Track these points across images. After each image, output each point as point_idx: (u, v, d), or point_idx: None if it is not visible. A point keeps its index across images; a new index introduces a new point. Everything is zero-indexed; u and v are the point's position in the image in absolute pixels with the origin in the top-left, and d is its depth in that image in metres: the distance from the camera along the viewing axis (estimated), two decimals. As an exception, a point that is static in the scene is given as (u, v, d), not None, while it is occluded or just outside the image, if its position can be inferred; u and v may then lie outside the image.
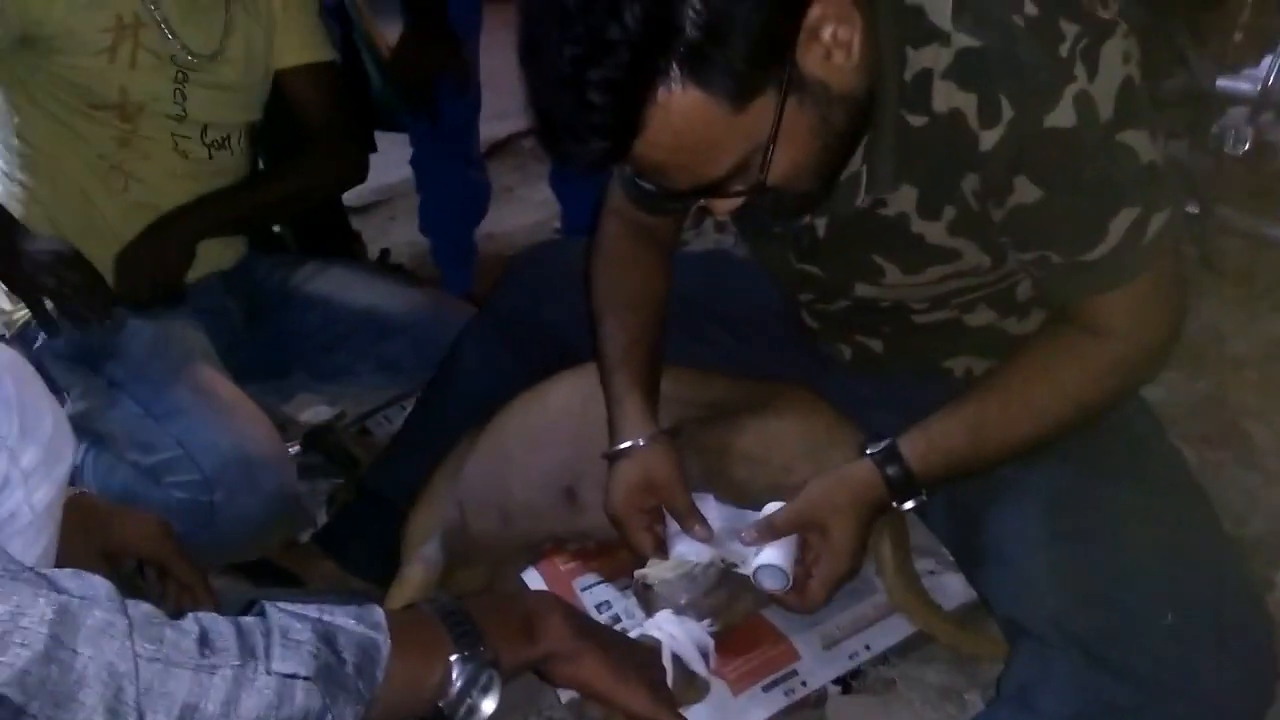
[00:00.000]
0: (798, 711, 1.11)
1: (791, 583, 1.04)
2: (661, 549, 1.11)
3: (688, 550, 1.08)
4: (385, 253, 2.52)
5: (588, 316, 1.25)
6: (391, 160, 2.85)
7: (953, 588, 1.22)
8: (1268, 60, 1.75)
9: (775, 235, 1.14)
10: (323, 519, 1.56)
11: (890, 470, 1.01)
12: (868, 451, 1.03)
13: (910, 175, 0.97)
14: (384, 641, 0.72)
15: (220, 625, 0.67)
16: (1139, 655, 0.86)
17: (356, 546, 1.41)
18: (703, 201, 0.95)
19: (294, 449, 1.79)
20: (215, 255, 1.69)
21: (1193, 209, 1.55)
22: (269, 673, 0.65)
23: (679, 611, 1.06)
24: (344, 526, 1.46)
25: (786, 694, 1.10)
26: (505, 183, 2.95)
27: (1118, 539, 0.95)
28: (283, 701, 0.65)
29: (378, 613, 0.73)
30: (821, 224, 1.08)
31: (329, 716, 0.67)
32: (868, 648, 1.15)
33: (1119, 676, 0.86)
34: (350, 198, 2.51)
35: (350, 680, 0.68)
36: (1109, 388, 0.99)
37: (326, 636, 0.69)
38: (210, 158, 1.63)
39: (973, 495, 1.09)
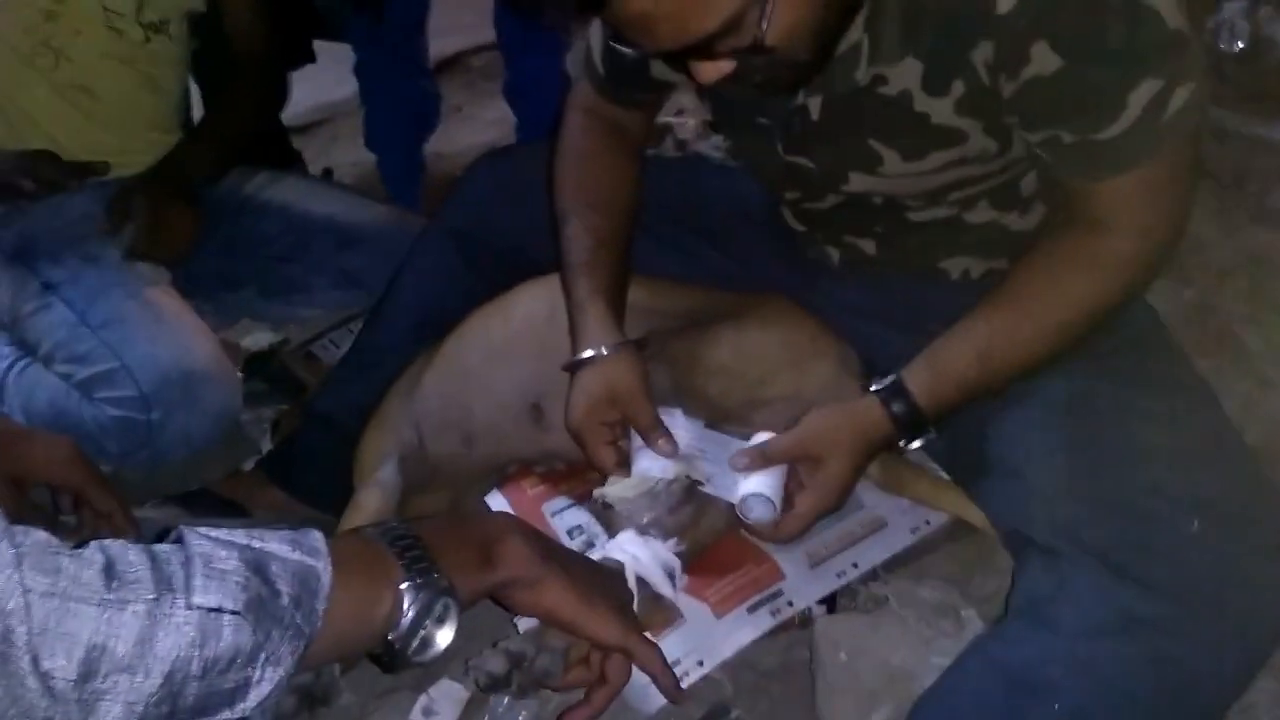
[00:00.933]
0: (784, 633, 1.06)
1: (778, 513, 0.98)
2: (625, 466, 1.05)
3: (651, 466, 1.02)
4: (328, 173, 2.38)
5: (550, 221, 1.16)
6: (334, 76, 2.71)
7: (943, 502, 1.16)
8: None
9: (760, 126, 1.05)
10: (268, 446, 1.46)
11: (896, 408, 0.95)
12: (872, 389, 0.96)
13: (916, 46, 0.89)
14: (324, 569, 0.63)
15: (130, 555, 0.57)
16: (1163, 564, 0.80)
17: (305, 473, 1.32)
18: (688, 69, 0.85)
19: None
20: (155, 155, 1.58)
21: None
22: (189, 607, 0.56)
23: (642, 531, 1.00)
24: (291, 452, 1.37)
25: (772, 614, 1.05)
26: (455, 101, 2.82)
27: (1133, 443, 0.89)
28: (207, 639, 0.56)
29: (316, 537, 0.65)
30: (816, 104, 0.99)
31: (262, 655, 0.58)
32: (855, 565, 1.10)
33: (1142, 588, 0.79)
34: (290, 116, 2.38)
35: (286, 613, 0.60)
36: (1117, 290, 0.93)
37: (257, 565, 0.60)
38: (147, 40, 1.53)
39: (974, 405, 1.01)
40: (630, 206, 1.16)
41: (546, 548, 0.81)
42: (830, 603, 1.08)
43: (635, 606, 0.93)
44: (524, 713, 1.05)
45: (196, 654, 0.56)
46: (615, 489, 1.02)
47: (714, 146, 2.01)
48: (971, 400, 0.96)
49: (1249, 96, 1.48)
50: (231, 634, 0.57)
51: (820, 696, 0.96)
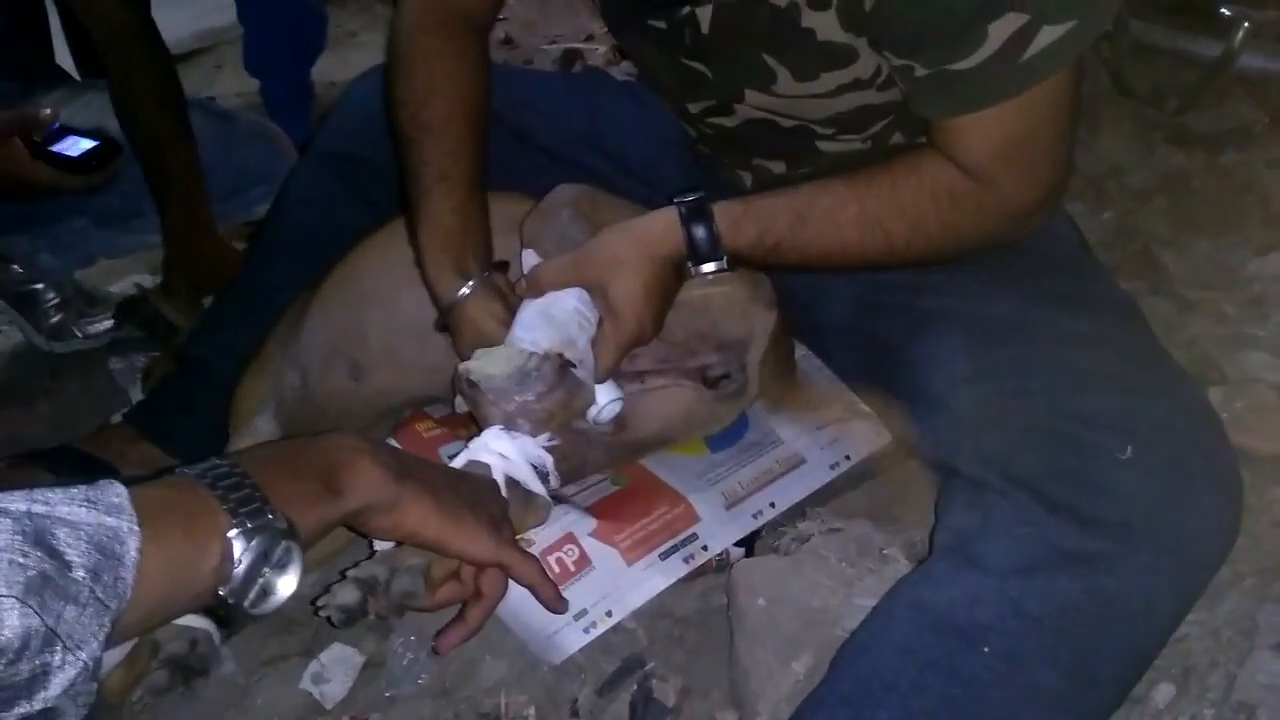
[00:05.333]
0: (699, 578, 1.00)
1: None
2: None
3: (523, 336, 0.90)
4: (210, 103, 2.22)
5: (393, 144, 1.04)
6: (216, 0, 2.53)
7: (862, 436, 1.10)
8: None
9: (656, 31, 0.97)
10: (139, 396, 1.34)
11: (696, 229, 0.89)
12: (673, 200, 0.90)
13: None
14: (129, 529, 0.54)
15: None
16: (1096, 495, 0.75)
17: (178, 424, 1.22)
18: None
19: (105, 324, 1.58)
20: None
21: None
22: None
23: (508, 425, 0.89)
24: (163, 402, 1.27)
25: (686, 560, 0.99)
26: (348, 27, 2.68)
27: (1061, 367, 0.83)
28: None
29: (117, 492, 0.55)
30: (705, 15, 0.92)
31: (59, 638, 0.49)
32: (773, 505, 1.04)
33: (1074, 520, 0.74)
34: (169, 43, 2.20)
35: (81, 589, 0.50)
36: (953, 224, 0.87)
37: (37, 536, 0.50)
38: None
39: (892, 330, 0.97)
40: (481, 115, 1.03)
41: (401, 465, 0.73)
42: (748, 545, 1.02)
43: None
44: (424, 675, 0.98)
45: None
46: (482, 362, 0.89)
47: (624, 73, 1.93)
48: (767, 259, 0.91)
49: (1171, 8, 1.43)
50: (17, 619, 0.47)
51: (739, 644, 0.91)
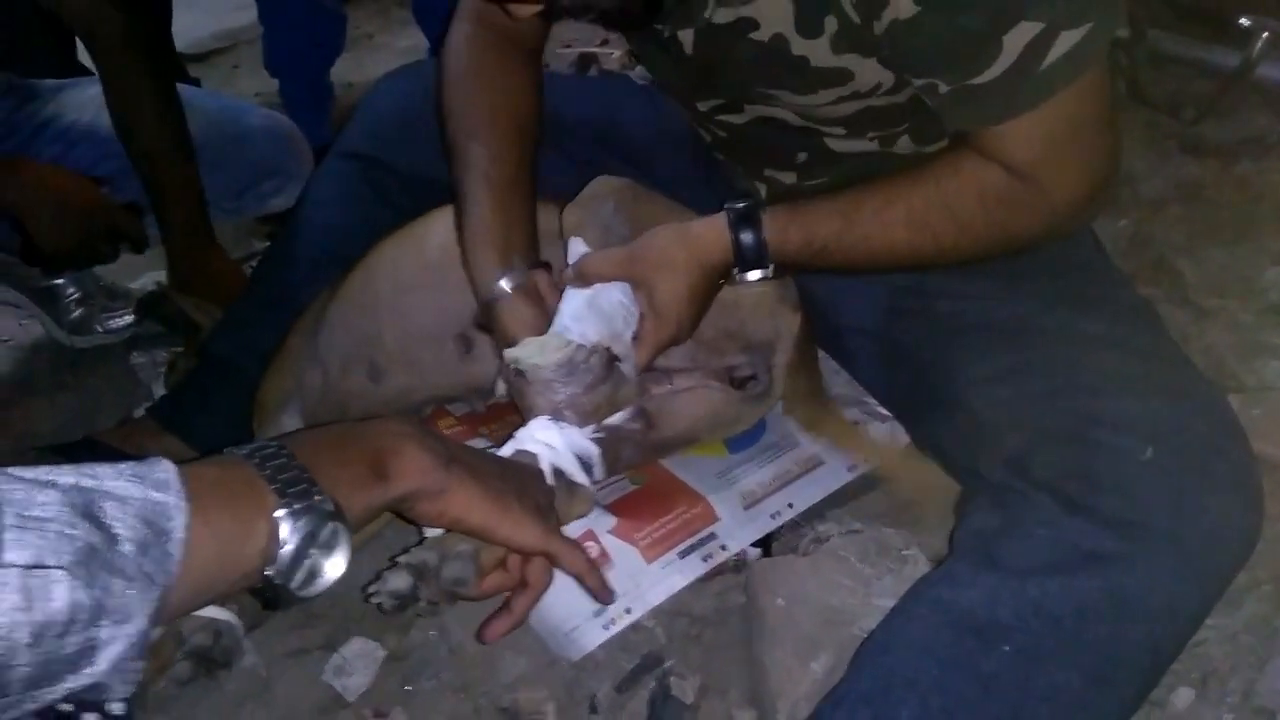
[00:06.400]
0: (717, 577, 1.01)
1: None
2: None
3: (571, 326, 0.90)
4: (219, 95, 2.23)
5: (443, 151, 1.05)
6: (234, 1, 2.54)
7: (879, 438, 1.11)
8: None
9: (660, 37, 0.99)
10: (161, 391, 1.35)
11: (744, 235, 0.90)
12: (724, 206, 0.91)
13: None
14: (176, 504, 0.53)
15: None
16: (1116, 496, 0.75)
17: (200, 418, 1.22)
18: None
19: (126, 319, 1.59)
20: None
21: (1122, 32, 1.44)
22: (3, 565, 0.46)
23: (555, 416, 0.90)
24: (186, 397, 1.27)
25: (705, 559, 1.00)
26: (365, 29, 2.69)
27: (1080, 369, 0.84)
28: (33, 602, 0.47)
29: (165, 468, 0.55)
30: (688, 38, 0.94)
31: (106, 612, 0.49)
32: (791, 505, 1.05)
33: (1094, 521, 0.74)
34: (188, 44, 2.22)
35: (129, 563, 0.50)
36: (1002, 223, 0.87)
37: (86, 509, 0.50)
38: None
39: (911, 334, 0.98)
40: (529, 125, 1.05)
41: (449, 452, 0.72)
42: (765, 545, 1.03)
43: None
44: (445, 670, 0.99)
45: (24, 619, 0.47)
46: (529, 349, 0.89)
47: (640, 77, 1.93)
48: (814, 262, 0.91)
49: (1187, 17, 1.44)
50: (66, 592, 0.48)
51: (758, 644, 0.92)
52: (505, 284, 0.95)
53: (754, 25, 0.88)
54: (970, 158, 0.86)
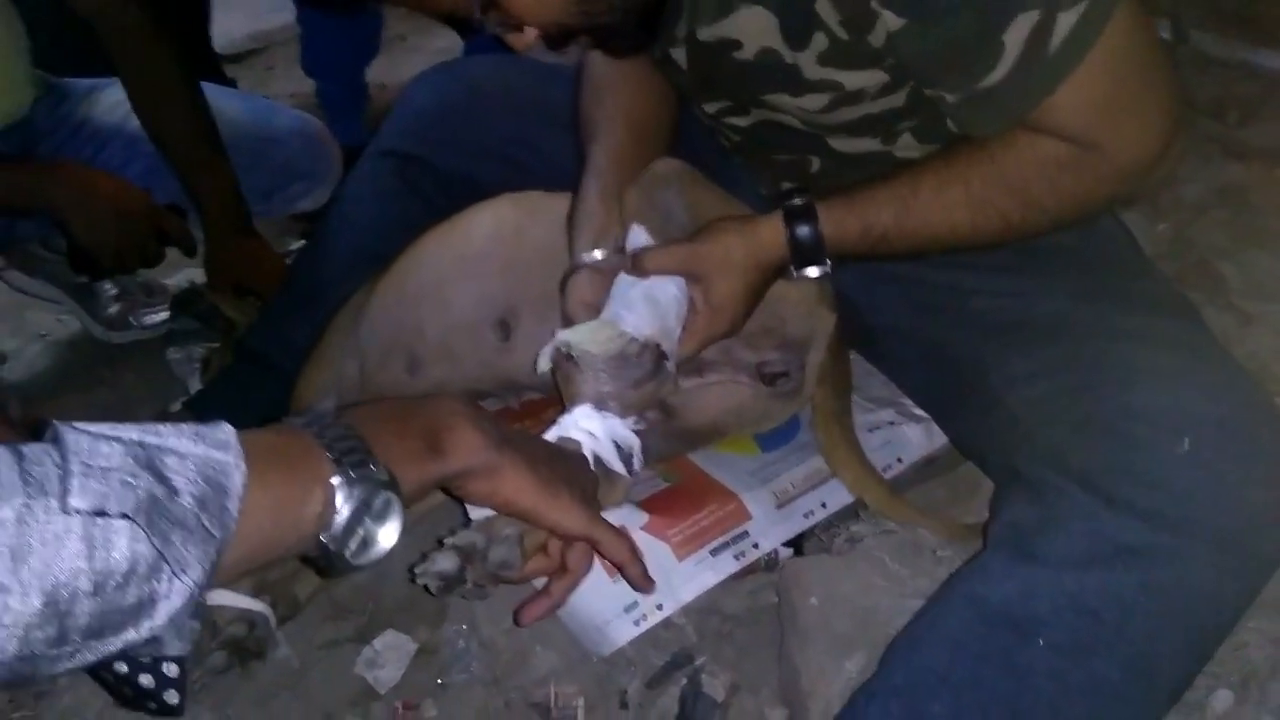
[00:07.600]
0: (749, 575, 1.00)
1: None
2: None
3: (625, 315, 0.90)
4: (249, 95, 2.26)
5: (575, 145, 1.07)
6: (269, 2, 2.57)
7: (914, 439, 1.10)
8: None
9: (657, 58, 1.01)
10: (197, 386, 1.37)
11: (800, 230, 0.90)
12: (783, 204, 0.91)
13: None
14: (235, 464, 0.54)
15: None
16: (1153, 489, 0.74)
17: (237, 414, 1.20)
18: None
19: (162, 315, 1.61)
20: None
21: (1163, 34, 1.42)
22: (66, 511, 0.47)
23: (599, 404, 0.90)
24: (222, 392, 1.29)
25: (737, 557, 0.99)
26: (398, 31, 2.70)
27: (1116, 363, 0.82)
28: (94, 550, 0.47)
29: (225, 430, 0.56)
30: (681, 56, 0.95)
31: (165, 567, 0.50)
32: (824, 505, 1.04)
33: (1132, 514, 0.73)
34: (223, 44, 2.25)
35: (189, 515, 0.51)
36: (1069, 191, 0.85)
37: (149, 462, 0.51)
38: None
39: (945, 330, 0.97)
40: (649, 120, 1.05)
41: (501, 433, 0.73)
42: (796, 545, 1.02)
43: None
44: (476, 663, 0.99)
45: (85, 567, 0.47)
46: (580, 332, 0.89)
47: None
48: (875, 251, 0.90)
49: (1233, 20, 1.42)
50: (127, 542, 0.48)
51: (790, 643, 0.91)
52: (587, 256, 0.96)
53: (737, 45, 0.89)
54: (1023, 133, 0.84)
